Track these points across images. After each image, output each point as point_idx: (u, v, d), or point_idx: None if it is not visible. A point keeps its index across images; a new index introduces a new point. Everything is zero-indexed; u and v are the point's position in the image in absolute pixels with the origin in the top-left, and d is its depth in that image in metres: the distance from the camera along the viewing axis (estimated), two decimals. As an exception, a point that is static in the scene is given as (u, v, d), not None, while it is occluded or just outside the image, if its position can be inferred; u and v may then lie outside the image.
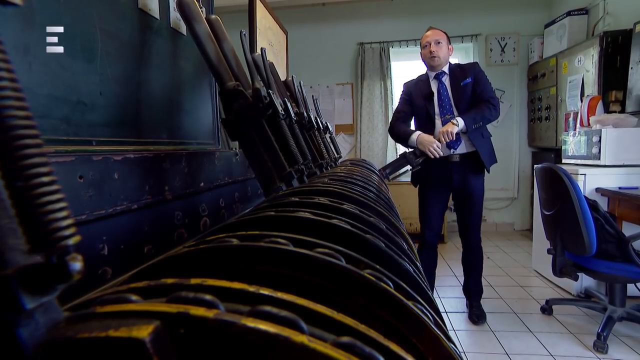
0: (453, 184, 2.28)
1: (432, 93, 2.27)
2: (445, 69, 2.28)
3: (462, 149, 2.23)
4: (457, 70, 2.26)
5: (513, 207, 4.59)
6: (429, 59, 2.25)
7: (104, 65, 0.68)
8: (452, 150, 2.23)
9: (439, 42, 2.21)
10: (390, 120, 2.47)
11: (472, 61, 2.83)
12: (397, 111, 2.40)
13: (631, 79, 2.91)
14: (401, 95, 2.43)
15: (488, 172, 2.27)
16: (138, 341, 0.16)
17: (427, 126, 2.27)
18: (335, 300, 0.27)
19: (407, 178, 3.74)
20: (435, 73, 2.27)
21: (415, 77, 2.40)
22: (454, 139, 2.11)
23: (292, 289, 0.24)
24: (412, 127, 2.41)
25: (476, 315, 2.34)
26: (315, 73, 4.64)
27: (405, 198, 4.10)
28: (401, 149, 4.44)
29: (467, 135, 2.19)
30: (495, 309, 2.50)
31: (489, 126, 2.27)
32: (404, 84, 2.44)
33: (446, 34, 2.28)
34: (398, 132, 2.33)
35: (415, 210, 4.14)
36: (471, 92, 2.21)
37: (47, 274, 0.18)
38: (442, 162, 2.23)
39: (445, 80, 2.27)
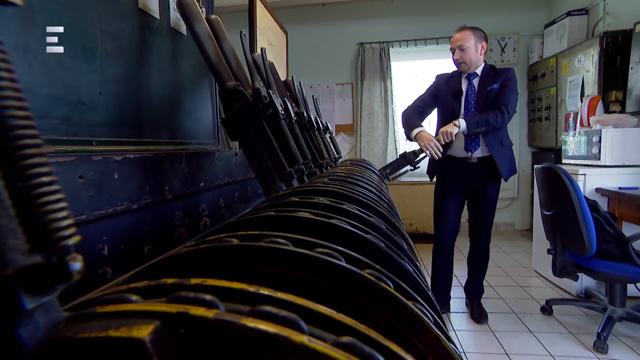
0: (469, 185, 2.27)
1: (461, 92, 2.24)
2: (479, 70, 2.23)
3: (479, 152, 2.21)
4: (489, 74, 2.21)
5: (513, 207, 4.58)
6: (456, 65, 2.23)
7: (104, 65, 0.68)
8: (469, 153, 2.22)
9: (463, 49, 2.15)
10: (405, 109, 2.38)
11: None
12: (420, 99, 2.35)
13: (631, 79, 2.90)
14: (430, 86, 2.38)
15: (505, 180, 2.24)
16: (138, 341, 0.16)
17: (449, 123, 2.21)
18: (335, 300, 0.27)
19: (407, 178, 3.72)
20: (466, 74, 2.24)
21: (449, 71, 2.33)
22: (454, 139, 2.11)
23: (292, 289, 0.24)
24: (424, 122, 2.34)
25: (478, 314, 2.34)
26: (315, 73, 4.64)
27: (405, 198, 4.10)
28: (401, 149, 4.44)
29: (484, 140, 2.17)
30: (495, 309, 2.50)
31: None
32: (437, 75, 2.39)
33: (476, 32, 2.16)
34: (409, 120, 2.29)
35: (415, 211, 4.18)
36: (494, 98, 2.17)
37: (47, 274, 0.18)
38: (460, 162, 2.23)
39: (476, 82, 2.23)
